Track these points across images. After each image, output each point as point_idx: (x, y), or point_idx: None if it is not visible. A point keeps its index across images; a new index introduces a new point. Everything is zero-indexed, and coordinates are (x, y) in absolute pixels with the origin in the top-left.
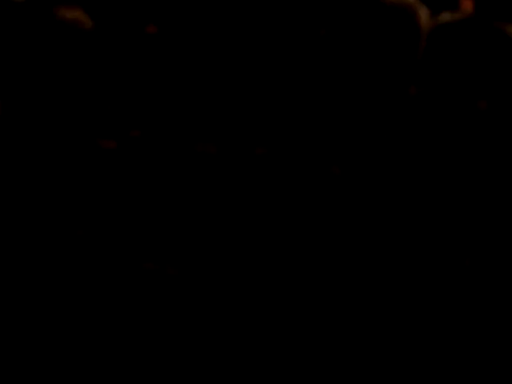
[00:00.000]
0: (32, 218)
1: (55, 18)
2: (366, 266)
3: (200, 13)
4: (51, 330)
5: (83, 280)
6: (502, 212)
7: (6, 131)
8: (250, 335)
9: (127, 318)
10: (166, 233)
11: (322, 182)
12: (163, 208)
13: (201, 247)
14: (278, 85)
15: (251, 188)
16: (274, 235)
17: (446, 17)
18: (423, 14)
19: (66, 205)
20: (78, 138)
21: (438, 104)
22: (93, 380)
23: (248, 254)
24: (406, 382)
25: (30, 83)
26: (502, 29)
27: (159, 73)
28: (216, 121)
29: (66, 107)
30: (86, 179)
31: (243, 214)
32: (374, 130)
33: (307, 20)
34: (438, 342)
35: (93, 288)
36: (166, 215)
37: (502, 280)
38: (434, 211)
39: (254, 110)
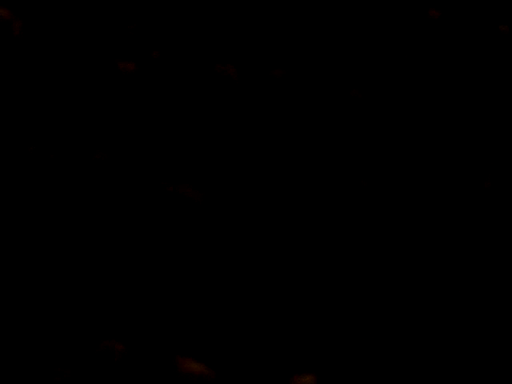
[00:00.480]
0: (51, 132)
1: None
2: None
3: None
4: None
5: (101, 202)
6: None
7: (26, 51)
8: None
9: (145, 239)
10: (186, 154)
11: (342, 105)
12: (182, 129)
13: (218, 170)
14: (298, 9)
15: (270, 109)
16: (291, 154)
17: None
18: None
19: (84, 127)
20: (96, 59)
21: None
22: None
23: (265, 177)
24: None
25: (50, 4)
26: None
27: None
28: (235, 42)
29: (83, 27)
30: (105, 101)
31: (261, 134)
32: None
33: None
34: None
35: (110, 210)
36: (185, 136)
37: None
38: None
39: (273, 32)
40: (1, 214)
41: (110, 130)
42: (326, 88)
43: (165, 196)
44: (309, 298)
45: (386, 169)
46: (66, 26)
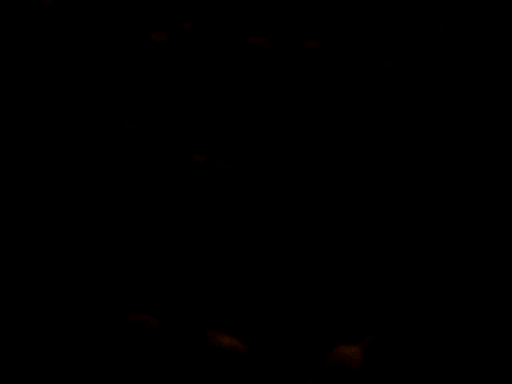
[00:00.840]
0: (82, 103)
1: None
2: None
3: None
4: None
5: (132, 171)
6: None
7: (56, 23)
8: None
9: (175, 210)
10: (218, 125)
11: (375, 76)
12: (214, 100)
13: (252, 144)
14: None
15: (303, 81)
16: (325, 127)
17: None
18: None
19: (115, 96)
20: (128, 30)
21: None
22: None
23: (298, 151)
24: None
25: None
26: None
27: None
28: (268, 13)
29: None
30: (137, 71)
31: (294, 107)
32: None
33: None
34: None
35: (141, 179)
36: (216, 107)
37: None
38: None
39: (307, 3)
40: (36, 180)
41: (142, 100)
42: (360, 59)
43: (197, 168)
44: (349, 269)
45: (416, 142)
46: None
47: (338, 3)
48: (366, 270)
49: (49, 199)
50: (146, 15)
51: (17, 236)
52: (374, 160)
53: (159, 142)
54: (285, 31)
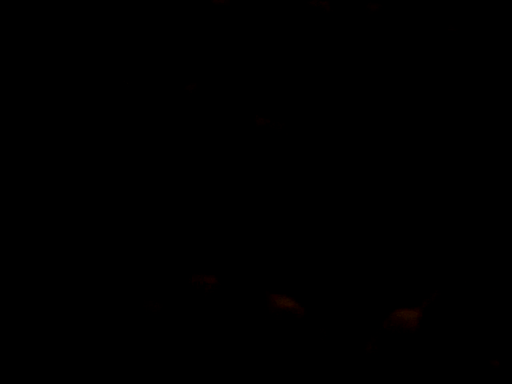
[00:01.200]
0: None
1: None
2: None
3: None
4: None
5: (193, 134)
6: None
7: None
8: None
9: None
10: (279, 87)
11: (438, 41)
12: (273, 63)
13: (307, 104)
14: None
15: (364, 43)
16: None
17: None
18: None
19: (180, 56)
20: None
21: None
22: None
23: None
24: None
25: None
26: None
27: None
28: None
29: None
30: (197, 33)
31: (353, 69)
32: None
33: None
34: None
35: (204, 143)
36: (276, 70)
37: None
38: None
39: None
40: (98, 141)
41: (203, 62)
42: (422, 23)
43: (257, 130)
44: (409, 234)
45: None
46: None
47: None
48: (425, 236)
49: (115, 160)
50: None
51: (70, 201)
52: (433, 126)
53: (220, 104)
54: None
